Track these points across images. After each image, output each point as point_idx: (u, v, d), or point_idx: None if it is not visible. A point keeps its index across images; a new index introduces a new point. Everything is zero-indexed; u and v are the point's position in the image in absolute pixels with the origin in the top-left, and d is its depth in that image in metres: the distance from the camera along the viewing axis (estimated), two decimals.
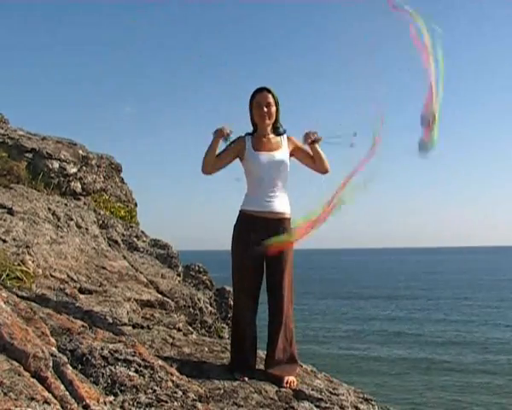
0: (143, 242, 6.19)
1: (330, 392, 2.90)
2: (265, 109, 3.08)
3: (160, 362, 2.64)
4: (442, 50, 2.96)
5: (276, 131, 3.17)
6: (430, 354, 17.83)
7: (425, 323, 24.56)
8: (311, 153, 3.13)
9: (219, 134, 3.07)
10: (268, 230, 2.99)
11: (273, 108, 3.10)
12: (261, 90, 3.10)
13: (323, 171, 3.16)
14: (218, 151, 3.08)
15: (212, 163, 3.07)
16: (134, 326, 3.43)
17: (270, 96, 3.09)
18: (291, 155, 3.16)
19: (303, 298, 29.92)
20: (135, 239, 6.12)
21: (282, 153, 3.09)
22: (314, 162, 3.14)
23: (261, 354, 3.21)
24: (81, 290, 3.72)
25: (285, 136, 3.17)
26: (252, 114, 3.15)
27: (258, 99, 3.09)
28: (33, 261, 3.75)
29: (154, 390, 2.30)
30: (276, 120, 3.16)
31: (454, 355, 17.48)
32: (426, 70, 2.96)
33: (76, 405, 1.96)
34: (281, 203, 3.04)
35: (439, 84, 2.98)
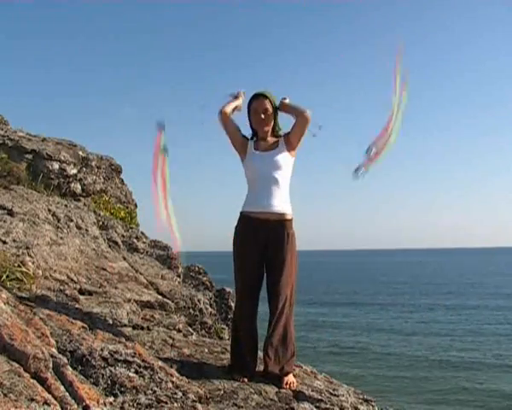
0: (143, 243, 6.19)
1: (330, 393, 2.90)
2: (263, 116, 3.08)
3: (160, 363, 2.64)
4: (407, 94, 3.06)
5: (276, 134, 3.17)
6: (433, 357, 17.82)
7: (430, 324, 24.50)
8: (288, 112, 3.14)
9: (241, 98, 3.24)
10: (268, 231, 2.98)
11: (270, 114, 3.10)
12: (257, 97, 3.10)
13: (305, 116, 3.06)
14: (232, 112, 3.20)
15: (228, 113, 3.16)
16: (134, 327, 3.43)
17: (266, 101, 3.09)
18: (292, 147, 3.10)
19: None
20: (135, 240, 6.12)
21: (281, 153, 3.06)
22: (296, 123, 3.11)
23: (261, 355, 3.20)
24: (81, 291, 3.72)
25: (283, 136, 3.15)
26: (250, 121, 3.15)
27: (255, 106, 3.10)
28: (33, 262, 3.75)
29: (154, 391, 2.30)
30: (275, 124, 3.16)
31: (458, 359, 17.47)
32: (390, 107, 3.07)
33: (76, 406, 1.96)
34: (281, 204, 3.01)
35: (397, 123, 3.05)
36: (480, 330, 22.64)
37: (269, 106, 3.09)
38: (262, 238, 2.98)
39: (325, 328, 23.69)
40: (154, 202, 3.18)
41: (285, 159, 3.06)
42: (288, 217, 3.05)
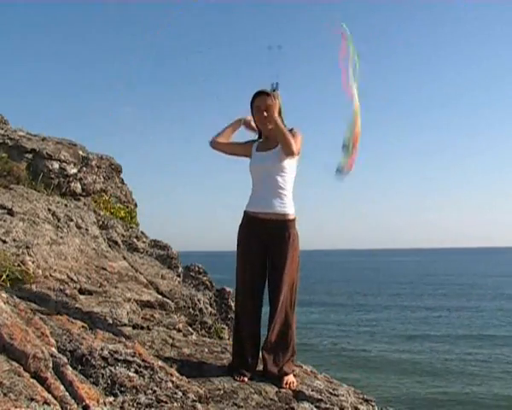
0: (143, 242, 6.19)
1: (330, 393, 2.89)
2: (265, 113, 3.05)
3: (160, 363, 2.64)
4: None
5: None
6: (433, 356, 17.79)
7: (430, 324, 24.43)
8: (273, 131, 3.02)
9: (240, 122, 3.22)
10: (270, 230, 2.98)
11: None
12: (260, 94, 3.08)
13: (289, 152, 2.96)
14: (231, 136, 3.22)
15: (222, 141, 3.19)
16: (134, 327, 3.43)
17: (269, 99, 3.06)
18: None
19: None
20: (135, 240, 6.12)
21: (282, 153, 3.02)
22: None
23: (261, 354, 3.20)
24: (81, 291, 3.72)
25: None
26: (254, 120, 3.15)
27: (258, 103, 3.07)
28: (33, 262, 3.75)
29: (154, 391, 2.30)
30: None
31: (459, 357, 17.44)
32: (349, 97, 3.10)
33: (76, 405, 1.96)
34: (282, 204, 3.01)
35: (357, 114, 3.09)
36: (482, 332, 22.50)
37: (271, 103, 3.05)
38: (264, 238, 2.99)
39: (325, 330, 23.65)
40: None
41: (286, 158, 3.02)
42: (290, 217, 3.03)
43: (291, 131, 3.07)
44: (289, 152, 2.96)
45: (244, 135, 3.28)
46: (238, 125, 3.24)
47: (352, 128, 3.09)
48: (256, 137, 3.24)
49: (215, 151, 3.19)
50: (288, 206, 3.04)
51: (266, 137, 3.13)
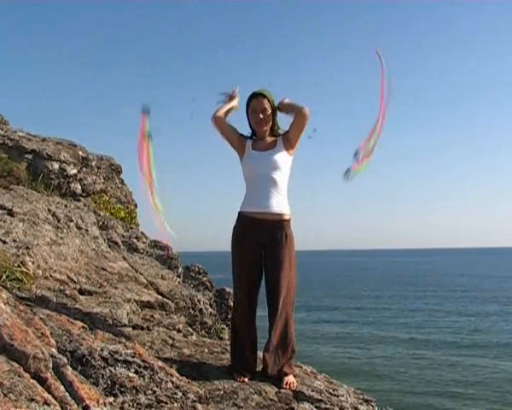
0: (143, 243, 6.19)
1: (330, 393, 2.89)
2: (261, 115, 3.06)
3: (160, 363, 2.64)
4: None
5: (275, 134, 3.15)
6: (434, 355, 17.77)
7: (432, 328, 24.32)
8: (288, 111, 3.12)
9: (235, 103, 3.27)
10: (266, 231, 2.98)
11: (269, 113, 3.08)
12: (256, 96, 3.08)
13: (303, 112, 3.03)
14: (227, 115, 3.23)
15: (222, 117, 3.19)
16: (134, 327, 3.43)
17: (265, 101, 3.07)
18: (290, 146, 3.08)
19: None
20: (135, 240, 6.12)
21: (279, 153, 3.04)
22: (295, 120, 3.08)
23: (261, 355, 3.20)
24: (81, 291, 3.72)
25: (281, 135, 3.13)
26: (248, 120, 3.15)
27: (254, 105, 3.08)
28: (33, 262, 3.75)
29: (154, 391, 2.30)
30: (274, 124, 3.14)
31: (459, 357, 17.41)
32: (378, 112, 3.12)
33: (76, 406, 1.96)
34: (278, 204, 3.01)
35: (381, 129, 3.11)
36: (485, 336, 22.26)
37: (267, 105, 3.07)
38: (260, 238, 2.98)
39: (326, 331, 23.60)
40: (144, 196, 3.22)
41: (283, 158, 3.05)
42: (286, 217, 3.04)
43: (284, 135, 3.12)
44: (305, 115, 3.03)
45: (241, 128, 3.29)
46: (236, 104, 3.28)
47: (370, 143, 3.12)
48: (243, 132, 3.22)
49: (213, 128, 3.18)
50: (284, 206, 3.04)
51: (261, 139, 3.14)
